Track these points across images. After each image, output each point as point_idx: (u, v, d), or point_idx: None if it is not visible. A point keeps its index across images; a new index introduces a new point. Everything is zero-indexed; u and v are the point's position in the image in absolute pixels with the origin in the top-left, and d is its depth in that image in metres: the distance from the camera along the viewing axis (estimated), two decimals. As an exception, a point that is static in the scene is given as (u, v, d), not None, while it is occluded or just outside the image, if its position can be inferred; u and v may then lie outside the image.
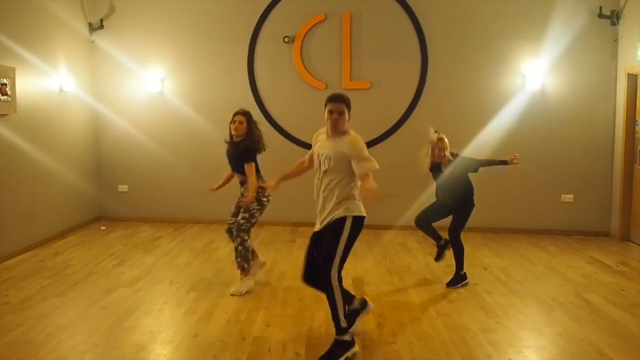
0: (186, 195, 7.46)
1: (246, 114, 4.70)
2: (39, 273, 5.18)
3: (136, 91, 7.40)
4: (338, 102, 3.47)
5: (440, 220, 5.03)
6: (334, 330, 3.46)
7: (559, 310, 4.36)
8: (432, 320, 4.13)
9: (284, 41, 7.13)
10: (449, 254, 5.02)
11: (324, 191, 3.50)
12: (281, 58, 7.21)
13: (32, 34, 6.09)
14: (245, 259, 4.66)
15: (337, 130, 3.49)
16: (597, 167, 7.00)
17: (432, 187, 5.11)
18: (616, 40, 6.75)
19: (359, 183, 3.49)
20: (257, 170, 4.68)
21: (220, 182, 5.00)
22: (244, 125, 4.65)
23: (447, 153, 4.80)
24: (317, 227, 3.57)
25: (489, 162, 4.99)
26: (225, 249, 5.98)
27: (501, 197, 7.09)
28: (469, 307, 4.42)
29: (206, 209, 7.25)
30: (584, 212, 7.05)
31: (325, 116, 3.50)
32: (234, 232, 4.65)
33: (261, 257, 5.09)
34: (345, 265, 3.53)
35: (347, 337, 3.43)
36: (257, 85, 7.28)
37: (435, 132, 4.85)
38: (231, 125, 4.68)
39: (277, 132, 7.23)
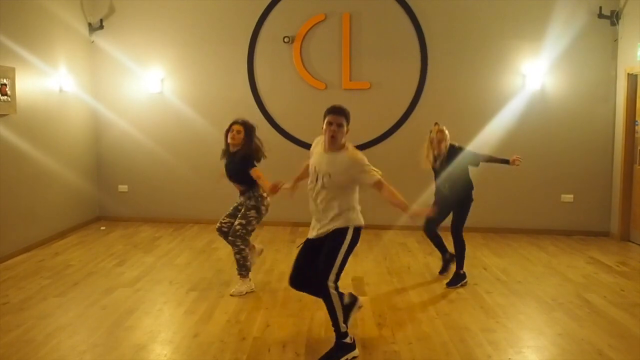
0: (186, 195, 7.46)
1: (244, 124, 4.63)
2: (39, 273, 5.18)
3: (136, 91, 7.40)
4: (338, 115, 3.42)
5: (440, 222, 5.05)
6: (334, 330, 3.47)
7: (559, 310, 4.36)
8: (432, 320, 4.13)
9: (284, 41, 7.13)
10: (454, 265, 5.08)
11: (321, 202, 3.49)
12: (281, 58, 7.21)
13: (32, 34, 6.09)
14: (244, 267, 4.66)
15: (334, 143, 3.43)
16: (597, 167, 7.00)
17: (432, 187, 5.12)
18: (616, 40, 6.75)
19: (357, 196, 3.52)
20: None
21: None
22: (242, 135, 4.60)
23: (447, 144, 4.85)
24: (314, 235, 3.55)
25: (491, 159, 5.04)
26: (225, 249, 5.97)
27: (501, 197, 7.09)
28: (469, 307, 4.42)
29: (206, 209, 7.25)
30: (584, 212, 7.05)
31: (324, 127, 3.44)
32: (230, 237, 4.62)
33: (258, 246, 5.08)
34: (346, 265, 3.53)
35: (347, 340, 3.45)
36: (257, 86, 7.28)
37: (436, 124, 4.93)
38: (228, 135, 4.63)
39: (277, 132, 7.24)
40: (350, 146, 3.51)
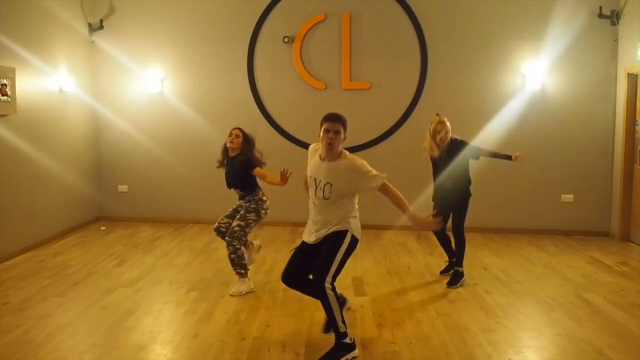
0: (186, 195, 7.46)
1: (243, 130, 4.74)
2: (39, 273, 5.18)
3: (136, 91, 7.41)
4: (335, 122, 3.40)
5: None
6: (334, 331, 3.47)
7: (559, 310, 4.36)
8: (432, 320, 4.13)
9: (284, 41, 7.13)
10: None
11: (322, 211, 3.49)
12: (281, 58, 7.21)
13: (32, 34, 6.09)
14: (240, 265, 4.67)
15: (332, 151, 3.41)
16: (597, 167, 7.00)
17: (432, 187, 5.12)
18: (616, 40, 6.75)
19: (356, 204, 3.52)
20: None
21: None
22: (240, 139, 4.67)
23: (448, 135, 4.85)
24: (312, 239, 3.54)
25: (493, 154, 5.07)
26: (225, 249, 5.96)
27: (501, 197, 7.09)
28: (469, 307, 4.42)
29: (206, 209, 7.25)
30: (583, 212, 7.05)
31: (321, 135, 3.41)
32: (227, 237, 4.64)
33: (255, 242, 5.09)
34: (345, 265, 3.53)
35: (347, 341, 3.45)
36: (257, 86, 7.28)
37: (437, 114, 4.95)
38: (227, 139, 4.70)
39: (276, 132, 7.24)
40: (347, 153, 3.49)
